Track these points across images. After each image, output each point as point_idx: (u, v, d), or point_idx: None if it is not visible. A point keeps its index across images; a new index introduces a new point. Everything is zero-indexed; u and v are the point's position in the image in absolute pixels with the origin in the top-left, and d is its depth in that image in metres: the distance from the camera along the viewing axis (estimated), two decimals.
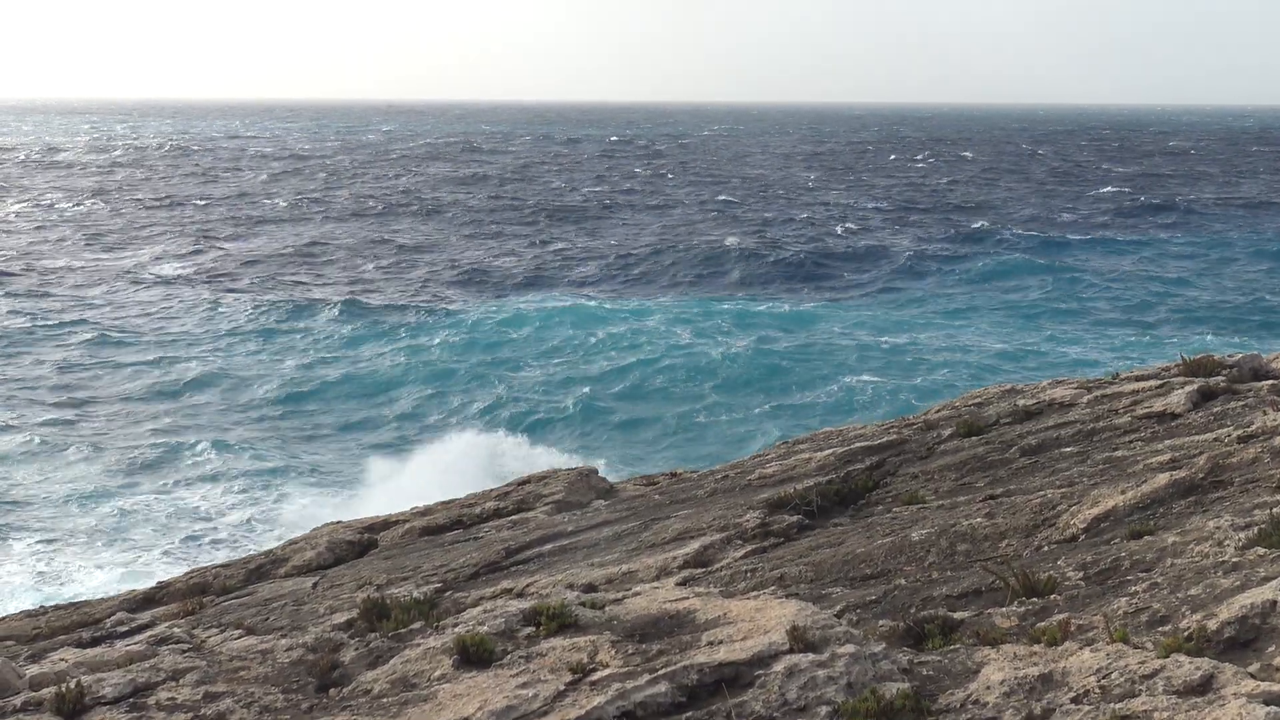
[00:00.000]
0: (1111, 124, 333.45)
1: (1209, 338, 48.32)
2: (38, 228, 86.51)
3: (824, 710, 5.73)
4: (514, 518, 12.81)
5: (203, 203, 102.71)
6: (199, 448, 35.89)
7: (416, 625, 7.58)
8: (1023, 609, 6.75)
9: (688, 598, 7.45)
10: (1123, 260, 70.49)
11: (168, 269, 69.40)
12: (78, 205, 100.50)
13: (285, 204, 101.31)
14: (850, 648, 6.21)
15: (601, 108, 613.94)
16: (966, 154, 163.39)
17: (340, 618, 8.57)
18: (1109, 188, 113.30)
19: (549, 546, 10.98)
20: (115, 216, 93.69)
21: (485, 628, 7.16)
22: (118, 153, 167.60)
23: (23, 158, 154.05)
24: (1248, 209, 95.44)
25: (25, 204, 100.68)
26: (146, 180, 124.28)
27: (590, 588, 8.81)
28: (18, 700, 6.83)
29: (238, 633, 8.68)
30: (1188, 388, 11.81)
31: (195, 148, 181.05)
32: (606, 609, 7.37)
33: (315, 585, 11.32)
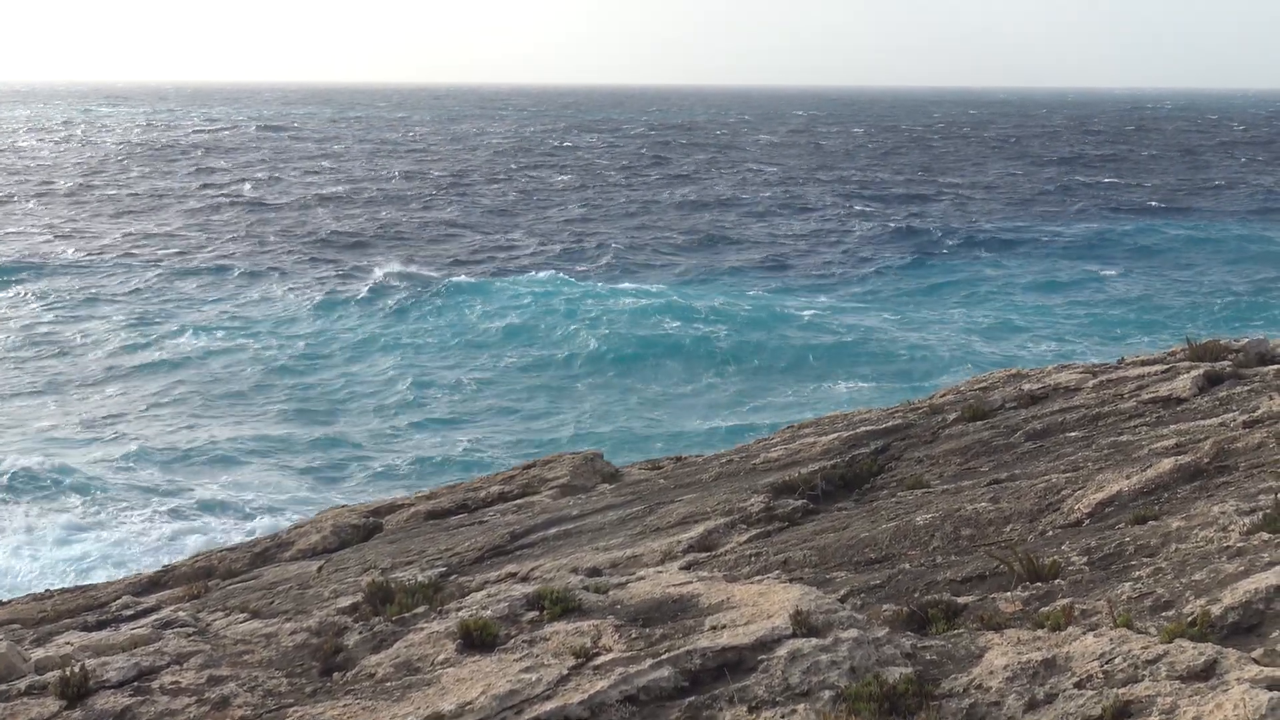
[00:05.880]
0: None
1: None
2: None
3: (827, 695, 5.73)
4: (519, 502, 12.83)
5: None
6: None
7: (420, 609, 7.59)
8: (1026, 594, 6.75)
9: (691, 582, 7.45)
10: None
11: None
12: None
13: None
14: (853, 632, 6.21)
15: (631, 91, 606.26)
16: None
17: (344, 602, 8.59)
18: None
19: (553, 530, 10.98)
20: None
21: (489, 612, 7.17)
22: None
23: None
24: None
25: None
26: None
27: (594, 572, 8.82)
28: (23, 684, 6.85)
29: (242, 616, 8.71)
30: (1193, 372, 11.79)
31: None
32: (610, 593, 7.38)
33: (320, 569, 11.34)
